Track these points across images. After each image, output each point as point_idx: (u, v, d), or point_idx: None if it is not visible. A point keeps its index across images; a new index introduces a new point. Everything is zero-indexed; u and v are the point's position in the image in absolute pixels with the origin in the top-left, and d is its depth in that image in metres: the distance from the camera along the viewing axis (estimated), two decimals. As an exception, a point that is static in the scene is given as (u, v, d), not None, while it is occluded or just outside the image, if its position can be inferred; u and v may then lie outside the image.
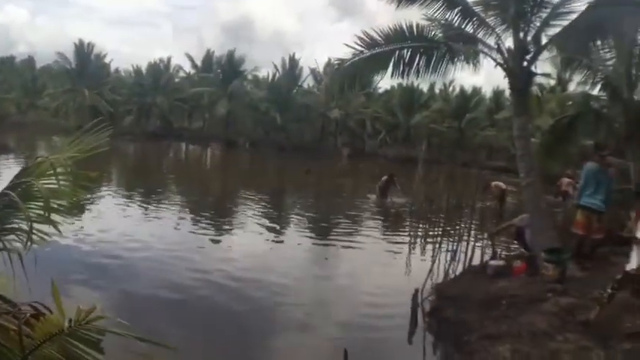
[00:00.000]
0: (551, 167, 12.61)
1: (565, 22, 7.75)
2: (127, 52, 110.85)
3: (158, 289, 6.68)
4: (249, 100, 45.93)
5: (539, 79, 14.34)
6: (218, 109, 44.43)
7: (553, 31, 7.88)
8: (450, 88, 47.30)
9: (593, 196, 7.49)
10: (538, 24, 7.91)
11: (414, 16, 8.21)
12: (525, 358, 4.48)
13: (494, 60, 8.12)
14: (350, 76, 8.24)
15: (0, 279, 2.52)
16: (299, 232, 11.44)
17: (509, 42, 8.05)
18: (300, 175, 24.67)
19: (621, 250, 6.53)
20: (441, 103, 45.69)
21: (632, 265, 4.89)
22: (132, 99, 47.80)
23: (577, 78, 11.05)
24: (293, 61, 47.47)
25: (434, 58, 7.98)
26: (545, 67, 9.59)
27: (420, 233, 11.76)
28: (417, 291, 6.21)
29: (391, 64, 7.97)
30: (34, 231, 2.39)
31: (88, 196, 11.93)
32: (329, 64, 37.39)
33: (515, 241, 8.72)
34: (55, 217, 2.49)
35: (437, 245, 9.04)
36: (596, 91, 11.35)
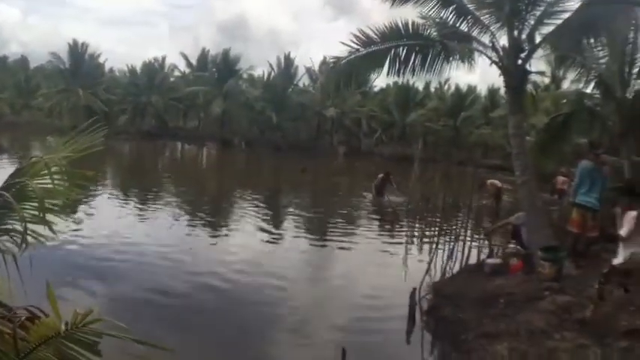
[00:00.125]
0: (545, 165, 12.64)
1: (559, 21, 7.79)
2: (121, 51, 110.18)
3: (154, 291, 6.65)
4: (245, 100, 45.84)
5: (533, 78, 14.34)
6: (213, 109, 44.31)
7: (547, 29, 7.92)
8: (446, 87, 47.48)
9: (588, 194, 7.53)
10: (532, 22, 7.93)
11: (409, 15, 8.23)
12: (523, 356, 4.49)
13: (489, 58, 8.14)
14: (346, 74, 8.23)
15: (-6, 281, 2.49)
16: (295, 232, 11.42)
17: (503, 40, 8.08)
18: (296, 174, 24.64)
19: (613, 248, 6.59)
20: (437, 101, 45.79)
21: (618, 260, 4.95)
22: (127, 98, 47.58)
23: (571, 76, 11.07)
24: (288, 60, 47.44)
25: (429, 56, 7.99)
26: (539, 65, 9.60)
27: (416, 232, 11.79)
28: (414, 290, 6.21)
29: (387, 63, 7.97)
30: (28, 232, 2.36)
31: (83, 197, 11.86)
32: (324, 62, 37.36)
33: (512, 239, 8.75)
34: (50, 217, 2.46)
35: (434, 244, 9.06)
36: (589, 89, 11.40)
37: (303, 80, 48.40)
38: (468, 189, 10.34)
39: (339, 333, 5.73)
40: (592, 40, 8.20)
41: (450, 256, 8.04)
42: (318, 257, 9.53)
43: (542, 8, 7.91)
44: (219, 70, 46.61)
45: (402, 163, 26.19)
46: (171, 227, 10.79)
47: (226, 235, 10.73)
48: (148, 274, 7.40)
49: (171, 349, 2.12)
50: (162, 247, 8.93)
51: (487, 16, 8.27)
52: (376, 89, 48.37)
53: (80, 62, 46.21)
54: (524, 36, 7.94)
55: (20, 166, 2.56)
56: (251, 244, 9.82)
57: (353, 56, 8.01)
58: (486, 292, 6.32)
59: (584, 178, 7.63)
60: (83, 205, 11.45)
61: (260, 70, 57.97)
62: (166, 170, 25.55)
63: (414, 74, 8.23)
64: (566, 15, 7.73)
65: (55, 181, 2.46)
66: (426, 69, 8.09)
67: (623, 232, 4.92)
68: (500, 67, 8.06)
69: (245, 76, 49.11)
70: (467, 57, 7.98)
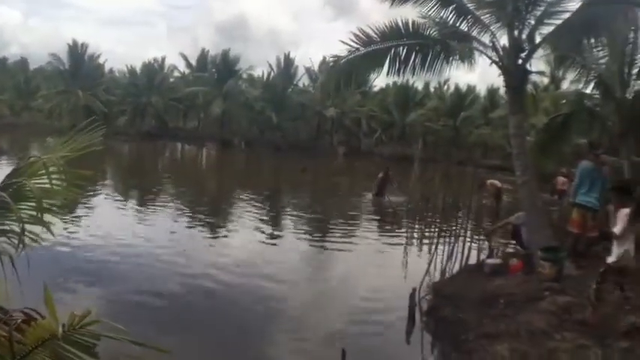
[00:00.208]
0: (545, 166, 12.62)
1: (559, 21, 7.77)
2: (121, 52, 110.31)
3: (152, 292, 6.62)
4: (245, 100, 45.85)
5: (533, 78, 14.33)
6: (213, 109, 44.32)
7: (547, 29, 7.90)
8: (445, 87, 47.53)
9: (588, 194, 7.53)
10: (532, 22, 7.92)
11: (408, 14, 8.20)
12: (524, 357, 4.48)
13: (490, 58, 8.12)
14: (346, 73, 8.21)
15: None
16: (295, 232, 11.40)
17: (503, 40, 8.07)
18: (296, 174, 24.63)
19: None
20: (436, 101, 45.82)
21: (612, 258, 4.95)
22: (126, 99, 47.58)
23: (570, 76, 11.07)
24: (288, 60, 47.48)
25: (429, 56, 7.97)
26: (539, 65, 9.59)
27: (416, 232, 11.78)
28: (414, 290, 6.19)
29: (387, 62, 7.95)
30: (25, 233, 2.34)
31: (82, 198, 11.85)
32: (324, 62, 37.41)
33: (512, 240, 8.74)
34: (47, 218, 2.44)
35: (433, 244, 9.05)
36: (589, 90, 11.40)
37: (303, 80, 48.52)
38: (468, 189, 10.31)
39: (339, 334, 5.71)
40: (592, 41, 8.19)
41: (449, 257, 8.02)
42: (318, 257, 9.51)
43: (542, 8, 7.90)
44: (218, 70, 46.63)
45: (401, 163, 26.19)
46: (170, 228, 10.77)
47: (225, 236, 10.71)
48: (147, 275, 7.38)
49: (168, 351, 2.10)
50: (160, 247, 8.91)
51: (487, 15, 8.25)
52: (376, 89, 48.50)
53: (80, 63, 46.22)
54: (524, 36, 7.93)
55: (18, 165, 2.54)
56: (250, 245, 9.80)
57: (353, 55, 7.99)
58: (486, 293, 6.30)
59: (584, 178, 7.63)
60: (81, 206, 11.43)
61: (260, 71, 58.09)
62: (166, 171, 25.53)
63: (414, 74, 8.21)
64: (567, 15, 7.72)
65: (53, 181, 2.44)
66: (426, 69, 8.07)
67: (616, 229, 4.92)
68: (500, 67, 8.04)
69: (245, 76, 49.17)
70: (467, 57, 7.96)
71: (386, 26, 7.89)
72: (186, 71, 51.25)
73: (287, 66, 47.27)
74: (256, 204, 14.90)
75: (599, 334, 4.70)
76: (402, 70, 8.09)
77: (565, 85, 26.04)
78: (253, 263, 8.40)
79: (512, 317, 5.35)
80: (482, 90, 45.87)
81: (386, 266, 8.96)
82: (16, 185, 2.37)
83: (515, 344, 4.64)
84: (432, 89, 47.45)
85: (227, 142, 42.45)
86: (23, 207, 2.41)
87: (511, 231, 8.59)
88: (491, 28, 8.19)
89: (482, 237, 9.45)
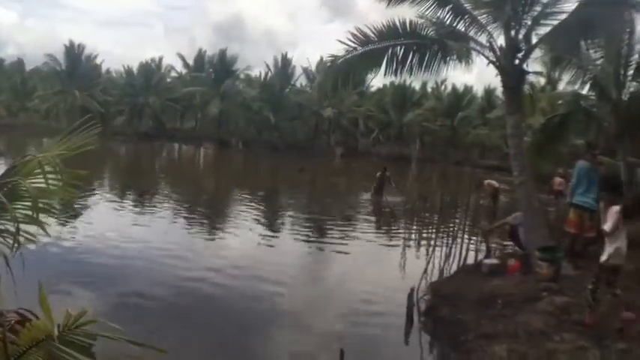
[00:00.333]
0: (542, 166, 12.64)
1: (555, 22, 7.78)
2: (118, 52, 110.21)
3: (150, 292, 6.59)
4: (242, 100, 45.82)
5: (531, 78, 14.35)
6: (210, 109, 44.27)
7: (544, 29, 7.91)
8: (442, 87, 47.61)
9: (586, 194, 7.54)
10: (529, 22, 7.92)
11: (406, 14, 8.19)
12: (522, 358, 4.46)
13: (487, 58, 8.13)
14: (343, 73, 8.18)
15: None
16: (293, 233, 11.37)
17: (500, 40, 8.07)
18: (294, 174, 24.62)
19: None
20: (434, 101, 45.90)
21: (604, 257, 4.95)
22: (123, 99, 47.50)
23: (566, 77, 11.08)
24: (285, 60, 47.50)
25: (427, 55, 7.95)
26: (535, 66, 9.60)
27: (414, 232, 11.78)
28: (412, 290, 6.17)
29: (384, 62, 7.92)
30: (21, 232, 2.32)
31: (78, 198, 11.79)
32: (321, 62, 37.43)
33: (510, 240, 8.74)
34: (43, 217, 2.42)
35: (431, 244, 9.05)
36: (585, 91, 11.43)
37: (300, 80, 48.56)
38: (466, 189, 10.31)
39: (337, 332, 5.69)
40: (589, 41, 8.20)
41: (447, 257, 8.01)
42: (316, 257, 9.49)
43: (539, 9, 7.91)
44: (216, 70, 46.58)
45: (399, 163, 26.21)
46: (167, 229, 10.73)
47: (223, 236, 10.67)
48: (144, 276, 7.34)
49: (165, 351, 2.08)
50: (158, 248, 8.87)
51: (484, 15, 8.25)
52: (373, 89, 48.58)
53: (77, 64, 46.13)
54: (521, 36, 7.94)
55: (13, 164, 2.51)
56: (248, 246, 9.77)
57: (350, 55, 7.97)
58: (484, 293, 6.29)
59: (581, 178, 7.63)
60: (78, 207, 11.38)
61: (257, 71, 58.04)
62: (163, 171, 25.46)
63: (411, 74, 8.18)
64: (563, 16, 7.73)
65: (49, 181, 2.41)
66: (423, 68, 8.05)
67: (606, 226, 4.92)
68: (497, 67, 8.05)
69: (242, 76, 49.16)
70: (464, 56, 7.95)
71: (383, 26, 7.88)
72: (184, 71, 51.26)
73: (284, 66, 47.28)
74: (254, 204, 14.88)
75: (597, 335, 4.70)
76: (399, 70, 8.07)
77: (561, 86, 26.11)
78: (251, 264, 8.37)
79: (510, 317, 5.34)
80: (479, 90, 46.10)
81: (384, 266, 8.95)
82: (11, 184, 2.34)
83: (514, 345, 4.63)
84: (429, 89, 47.59)
85: (224, 142, 42.39)
86: (18, 206, 2.39)
87: (508, 231, 8.59)
88: (489, 28, 8.20)
89: (480, 237, 9.44)
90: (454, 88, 45.75)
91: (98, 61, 49.13)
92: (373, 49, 7.97)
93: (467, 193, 10.71)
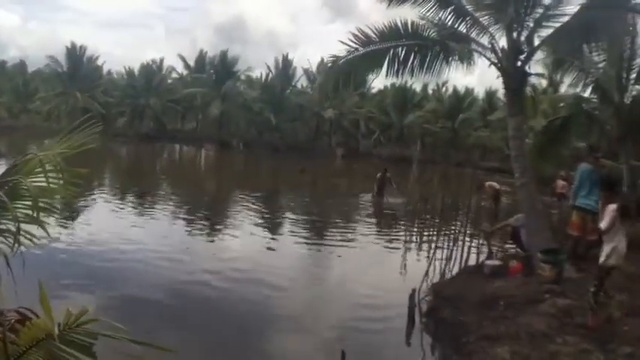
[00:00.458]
0: (543, 169, 12.62)
1: (558, 24, 7.77)
2: (119, 54, 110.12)
3: (150, 292, 6.58)
4: (243, 101, 45.79)
5: (532, 80, 14.31)
6: (211, 110, 44.25)
7: (546, 32, 7.90)
8: (443, 89, 47.56)
9: (588, 197, 7.50)
10: (531, 24, 7.90)
11: (406, 15, 8.18)
12: (524, 360, 4.44)
13: (489, 59, 8.11)
14: (344, 73, 8.16)
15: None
16: (294, 233, 11.35)
17: (502, 42, 8.06)
18: (295, 175, 24.60)
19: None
20: (435, 103, 45.86)
21: (602, 257, 4.93)
22: (125, 101, 47.51)
23: (568, 80, 11.07)
24: (286, 61, 47.48)
25: (428, 56, 7.94)
26: (537, 68, 9.60)
27: (415, 233, 11.75)
28: (413, 291, 6.15)
29: (386, 63, 7.90)
30: (21, 232, 2.30)
31: (79, 198, 11.79)
32: (322, 63, 37.44)
33: (511, 241, 8.71)
34: (44, 217, 2.40)
35: (432, 245, 9.02)
36: (587, 94, 11.41)
37: (301, 81, 48.53)
38: (467, 190, 10.29)
39: (338, 334, 5.68)
40: (592, 44, 8.17)
41: (449, 258, 7.99)
42: (317, 259, 9.47)
43: (541, 11, 7.90)
44: (217, 71, 46.57)
45: (400, 165, 26.19)
46: (168, 229, 10.72)
47: (224, 237, 10.66)
48: (145, 275, 7.33)
49: (170, 350, 2.06)
50: (158, 248, 8.87)
51: (486, 17, 8.24)
52: (374, 91, 48.56)
53: (78, 65, 46.16)
54: (523, 38, 7.92)
55: (14, 163, 2.50)
56: (249, 246, 9.75)
57: (352, 56, 7.96)
58: (486, 294, 6.26)
59: (583, 180, 7.60)
60: (80, 206, 11.37)
61: (258, 72, 57.99)
62: (164, 172, 25.45)
63: (412, 75, 8.16)
64: (566, 18, 7.71)
65: (50, 179, 2.40)
66: (425, 69, 8.04)
67: (602, 225, 4.90)
68: (499, 69, 8.03)
69: (243, 77, 49.11)
70: (466, 57, 7.93)
71: (385, 26, 7.87)
72: (185, 72, 51.24)
73: (285, 67, 47.26)
74: (255, 205, 14.85)
75: (601, 338, 4.67)
76: (400, 71, 8.05)
77: (563, 89, 26.10)
78: (252, 265, 8.35)
79: (512, 319, 5.31)
80: (480, 92, 45.98)
81: (385, 268, 8.92)
82: (12, 183, 2.33)
83: (516, 347, 4.60)
84: (430, 91, 47.50)
85: (225, 143, 42.38)
86: (19, 206, 2.37)
87: (510, 233, 8.57)
88: (491, 29, 8.18)
89: (481, 238, 9.41)
90: (455, 90, 45.71)
91: (99, 62, 49.25)
92: (375, 49, 7.95)
93: (468, 195, 10.70)
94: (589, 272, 6.66)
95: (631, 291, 5.82)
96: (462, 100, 44.76)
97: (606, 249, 4.93)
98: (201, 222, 12.08)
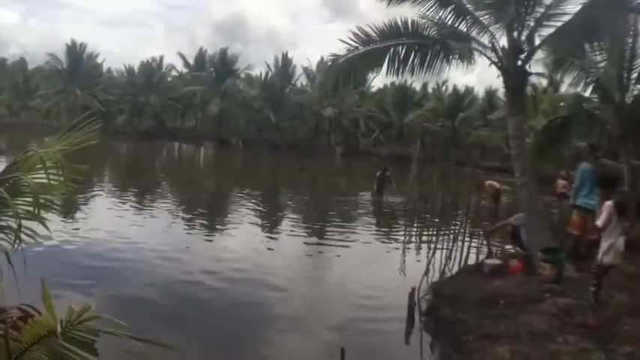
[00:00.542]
0: (544, 168, 12.60)
1: (558, 23, 7.75)
2: (119, 52, 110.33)
3: (150, 291, 6.57)
4: (242, 99, 45.80)
5: (533, 79, 14.31)
6: (211, 108, 44.23)
7: (547, 31, 7.89)
8: (443, 88, 47.56)
9: (589, 196, 7.51)
10: (532, 24, 7.89)
11: (406, 14, 8.16)
12: (525, 359, 4.43)
13: (489, 58, 8.10)
14: (344, 72, 8.14)
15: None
16: (293, 232, 11.35)
17: (503, 41, 8.04)
18: (294, 173, 24.59)
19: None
20: (434, 102, 45.85)
21: (599, 255, 4.94)
22: (124, 98, 47.49)
23: (568, 79, 11.04)
24: (286, 60, 47.48)
25: (429, 55, 7.92)
26: (537, 67, 9.57)
27: (414, 232, 11.75)
28: (413, 290, 6.15)
29: (386, 61, 7.88)
30: (22, 229, 2.30)
31: (80, 196, 11.79)
32: (322, 62, 37.41)
33: (512, 240, 8.71)
34: (44, 213, 2.40)
35: (432, 244, 9.02)
36: (587, 93, 11.38)
37: (301, 80, 48.54)
38: (467, 189, 10.28)
39: (338, 333, 5.67)
40: (594, 43, 8.16)
41: (448, 257, 7.99)
42: (316, 258, 9.46)
43: (542, 10, 7.88)
44: (216, 69, 46.56)
45: (399, 163, 26.18)
46: (167, 227, 10.70)
47: (223, 235, 10.65)
48: (145, 273, 7.32)
49: (171, 347, 2.06)
50: (159, 246, 8.86)
51: (486, 16, 8.22)
52: (374, 89, 48.55)
53: (78, 63, 46.16)
54: (523, 37, 7.90)
55: (14, 160, 2.49)
56: (248, 244, 9.74)
57: (352, 54, 7.94)
58: (486, 293, 6.26)
59: (584, 180, 7.60)
60: (79, 204, 11.36)
61: (258, 70, 57.97)
62: (163, 170, 25.44)
63: (413, 74, 8.14)
64: (566, 17, 7.70)
65: (50, 176, 2.39)
66: (425, 68, 8.02)
67: (599, 221, 4.90)
68: (499, 68, 8.02)
69: (243, 75, 49.12)
70: (466, 56, 7.92)
71: (385, 25, 7.85)
72: (184, 70, 51.25)
73: (285, 66, 47.24)
74: (254, 204, 14.85)
75: (601, 337, 4.67)
76: (401, 70, 8.03)
77: (563, 88, 26.11)
78: (251, 264, 8.34)
79: (512, 318, 5.31)
80: (480, 91, 45.99)
81: (384, 267, 8.92)
82: (12, 180, 2.32)
83: (516, 346, 4.60)
84: (430, 90, 47.53)
85: (225, 141, 42.37)
86: (20, 202, 2.37)
87: (510, 232, 8.56)
88: (491, 28, 8.16)
89: (481, 237, 9.41)
90: (455, 89, 45.71)
91: (99, 60, 49.30)
92: (375, 48, 7.93)
93: (468, 194, 10.70)
94: (589, 272, 6.67)
95: (631, 290, 5.82)
96: (461, 99, 44.75)
97: (604, 246, 4.94)
98: (201, 221, 12.07)
